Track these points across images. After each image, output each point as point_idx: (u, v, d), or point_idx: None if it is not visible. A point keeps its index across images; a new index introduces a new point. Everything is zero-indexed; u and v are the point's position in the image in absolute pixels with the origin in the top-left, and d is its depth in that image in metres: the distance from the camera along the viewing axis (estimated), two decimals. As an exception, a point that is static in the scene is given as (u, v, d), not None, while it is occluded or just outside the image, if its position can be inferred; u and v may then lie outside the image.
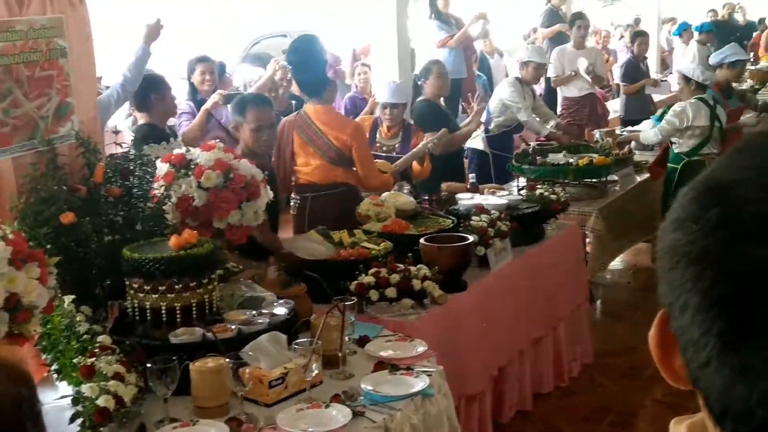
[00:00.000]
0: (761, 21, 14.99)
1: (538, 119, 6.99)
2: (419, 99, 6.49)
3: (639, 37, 9.94)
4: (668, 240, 0.66)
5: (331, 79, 4.94)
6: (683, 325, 0.64)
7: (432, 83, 6.34)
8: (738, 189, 0.62)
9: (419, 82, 6.61)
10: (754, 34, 13.95)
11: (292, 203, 5.02)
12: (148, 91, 5.32)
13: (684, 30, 12.61)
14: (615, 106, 10.43)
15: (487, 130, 7.02)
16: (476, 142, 7.01)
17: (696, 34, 11.68)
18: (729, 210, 0.61)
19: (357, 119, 6.13)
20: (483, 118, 6.82)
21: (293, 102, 7.40)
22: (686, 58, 10.52)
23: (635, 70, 9.46)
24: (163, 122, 5.45)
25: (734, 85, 7.72)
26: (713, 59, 7.53)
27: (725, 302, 0.60)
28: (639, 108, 9.11)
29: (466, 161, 7.00)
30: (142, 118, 5.39)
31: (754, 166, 0.63)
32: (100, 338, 2.69)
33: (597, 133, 6.92)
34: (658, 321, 0.69)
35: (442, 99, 6.54)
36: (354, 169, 4.95)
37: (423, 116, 6.20)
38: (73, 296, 2.79)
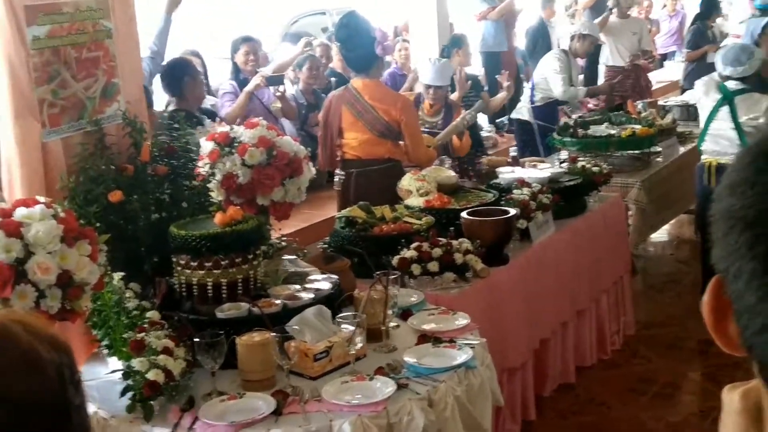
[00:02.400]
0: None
1: (572, 87, 6.94)
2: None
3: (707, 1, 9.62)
4: (723, 204, 0.66)
5: (378, 55, 4.95)
6: (738, 291, 0.64)
7: (458, 56, 6.76)
8: None
9: (445, 54, 6.85)
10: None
11: (336, 179, 5.06)
12: (182, 75, 5.39)
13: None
14: (664, 76, 10.29)
15: (532, 101, 6.99)
16: (521, 112, 7.00)
17: (750, 10, 11.38)
18: None
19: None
20: (528, 90, 6.85)
21: (333, 79, 7.43)
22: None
23: (700, 35, 9.22)
24: (195, 106, 5.52)
25: None
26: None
27: None
28: (701, 75, 8.92)
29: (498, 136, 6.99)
30: (174, 103, 5.47)
31: None
32: (148, 314, 2.76)
33: (640, 104, 6.85)
34: (712, 286, 0.69)
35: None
36: (401, 143, 4.98)
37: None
38: (122, 273, 2.85)
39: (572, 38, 7.17)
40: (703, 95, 5.46)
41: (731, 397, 0.83)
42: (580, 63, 8.45)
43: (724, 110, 5.15)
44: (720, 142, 5.19)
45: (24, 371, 1.01)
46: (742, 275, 0.63)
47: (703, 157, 5.37)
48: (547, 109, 6.93)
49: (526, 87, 7.26)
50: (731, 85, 5.18)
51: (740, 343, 0.67)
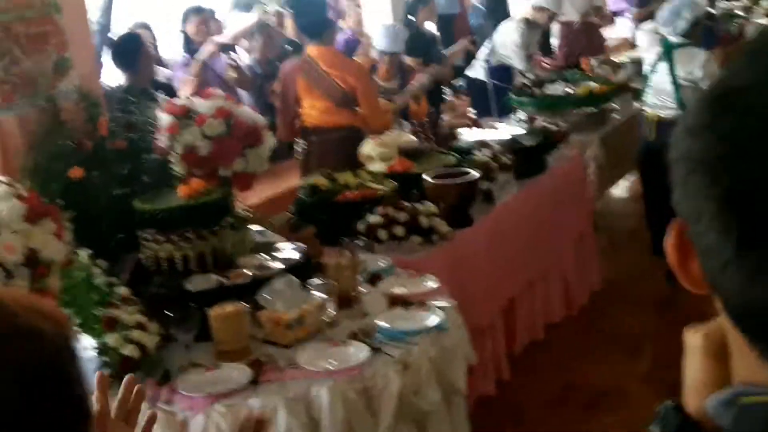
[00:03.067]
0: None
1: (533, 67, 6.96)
2: (406, 24, 6.77)
3: None
4: (682, 148, 0.67)
5: (331, 20, 4.91)
6: (700, 232, 0.65)
7: (423, 13, 6.83)
8: (750, 95, 0.62)
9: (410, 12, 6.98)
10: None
11: (297, 148, 5.02)
12: (134, 50, 5.29)
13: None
14: (616, 33, 10.35)
15: (488, 61, 6.99)
16: (477, 71, 6.98)
17: None
18: (742, 116, 0.62)
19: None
20: (485, 49, 6.85)
21: (289, 48, 7.35)
22: None
23: None
24: (148, 78, 5.43)
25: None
26: None
27: (740, 206, 0.61)
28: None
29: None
30: (125, 79, 5.37)
31: (765, 70, 0.63)
32: (119, 290, 2.73)
33: (594, 61, 6.89)
34: (674, 229, 0.71)
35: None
36: (358, 110, 4.95)
37: (411, 42, 6.40)
38: (89, 250, 2.81)
39: (533, 8, 7.14)
40: (645, 49, 5.50)
41: (694, 338, 0.85)
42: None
43: (664, 64, 5.19)
44: (660, 96, 5.22)
45: (22, 342, 1.02)
46: (704, 215, 0.64)
47: (645, 109, 5.39)
48: (503, 70, 6.94)
49: (484, 47, 7.22)
50: (672, 38, 5.20)
51: (704, 281, 0.69)
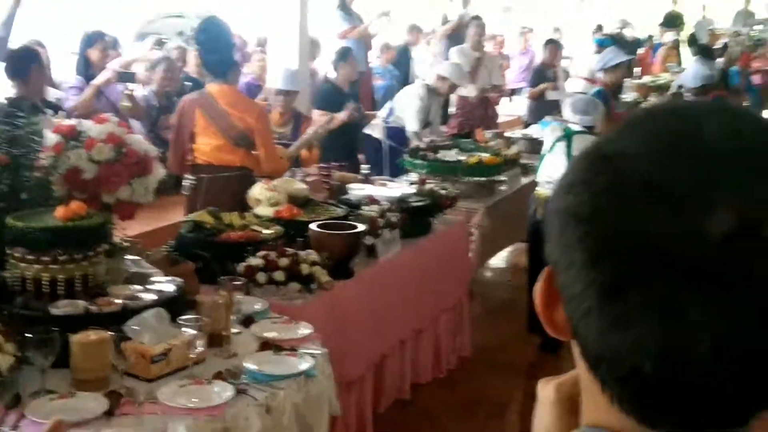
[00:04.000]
0: (649, 38, 15.59)
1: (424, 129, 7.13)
2: (324, 80, 7.31)
3: (549, 44, 10.18)
4: (559, 203, 0.72)
5: (236, 61, 4.94)
6: (568, 281, 0.70)
7: (344, 69, 7.10)
8: (625, 159, 0.69)
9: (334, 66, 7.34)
10: (641, 50, 14.52)
11: (186, 183, 4.97)
12: (30, 62, 5.21)
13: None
14: (512, 109, 10.72)
15: (387, 121, 7.11)
16: (374, 129, 7.10)
17: (596, 47, 12.12)
18: (616, 177, 0.68)
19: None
20: (386, 109, 7.01)
21: (188, 83, 7.31)
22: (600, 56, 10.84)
23: (540, 76, 9.73)
24: (38, 96, 5.33)
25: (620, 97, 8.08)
26: (597, 64, 7.85)
27: (607, 259, 0.67)
28: (542, 112, 9.39)
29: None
30: (15, 89, 5.26)
31: (639, 139, 0.70)
32: (-23, 306, 2.62)
33: (489, 133, 7.10)
34: (544, 277, 0.76)
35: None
36: (254, 152, 4.96)
37: (325, 96, 6.96)
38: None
39: (436, 77, 7.34)
40: (549, 133, 5.79)
41: (545, 389, 0.90)
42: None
43: (562, 144, 5.43)
44: (553, 176, 5.45)
45: None
46: (574, 265, 0.69)
47: (536, 189, 5.62)
48: (400, 132, 7.08)
49: (385, 107, 7.35)
50: (574, 127, 5.50)
51: (565, 328, 0.74)
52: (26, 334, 2.50)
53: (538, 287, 0.77)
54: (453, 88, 7.39)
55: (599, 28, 14.78)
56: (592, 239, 0.68)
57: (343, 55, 7.36)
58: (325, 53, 9.82)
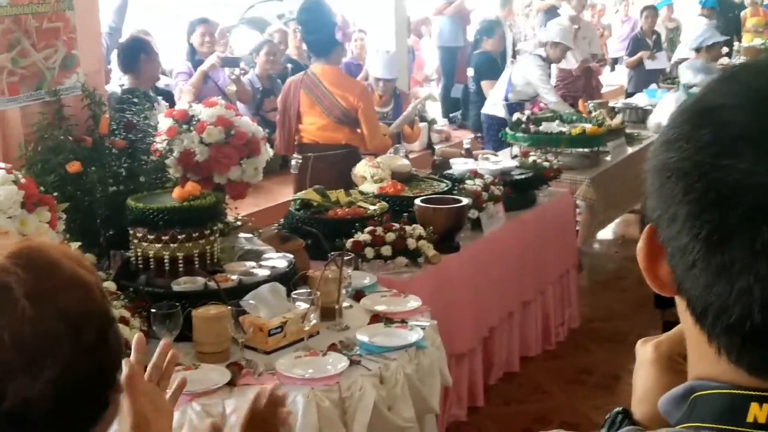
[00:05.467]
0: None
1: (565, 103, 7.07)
2: (478, 51, 8.05)
3: (646, 10, 9.95)
4: (659, 158, 0.74)
5: (339, 41, 4.99)
6: (672, 234, 0.71)
7: (493, 41, 7.83)
8: (726, 111, 0.70)
9: (478, 38, 8.21)
10: (744, 11, 13.98)
11: (293, 162, 5.09)
12: (138, 53, 5.39)
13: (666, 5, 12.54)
14: (615, 79, 10.51)
15: (506, 98, 7.09)
16: (496, 108, 7.10)
17: (700, 9, 11.76)
18: (718, 130, 0.69)
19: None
20: (502, 88, 7.00)
21: (289, 65, 7.44)
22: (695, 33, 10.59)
23: (639, 44, 9.53)
24: (149, 85, 5.53)
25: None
26: (692, 44, 7.69)
27: (712, 209, 0.68)
28: (643, 80, 9.22)
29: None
30: (128, 81, 5.47)
31: (738, 92, 0.70)
32: (105, 284, 2.76)
33: (590, 104, 6.99)
34: (646, 234, 0.77)
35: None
36: (357, 130, 5.03)
37: (481, 66, 7.76)
38: (78, 243, 2.85)
39: (545, 45, 7.24)
40: (674, 101, 5.74)
41: (644, 349, 0.91)
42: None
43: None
44: None
45: (75, 290, 1.14)
46: (677, 219, 0.71)
47: None
48: (519, 108, 7.02)
49: (499, 85, 7.31)
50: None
51: (670, 283, 0.75)
52: (151, 310, 2.63)
53: (641, 245, 0.78)
54: (565, 51, 7.27)
55: None
56: (695, 192, 0.69)
57: (490, 28, 7.99)
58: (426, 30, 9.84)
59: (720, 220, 0.67)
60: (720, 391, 0.73)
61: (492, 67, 7.71)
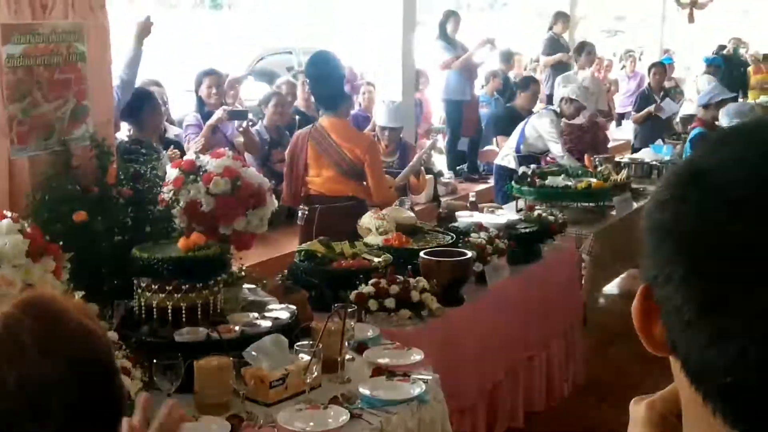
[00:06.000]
0: (765, 57, 15.11)
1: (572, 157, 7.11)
2: (508, 104, 8.33)
3: (654, 67, 10.07)
4: (654, 219, 0.74)
5: (347, 94, 5.05)
6: (667, 294, 0.72)
7: (525, 96, 8.00)
8: (719, 174, 0.70)
9: (516, 90, 8.44)
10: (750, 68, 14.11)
11: (300, 214, 5.12)
12: (142, 105, 5.44)
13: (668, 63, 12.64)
14: (621, 135, 10.58)
15: (518, 150, 7.15)
16: (507, 160, 7.16)
17: (704, 66, 11.91)
18: (712, 192, 0.70)
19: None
20: (514, 140, 7.06)
21: (297, 117, 7.52)
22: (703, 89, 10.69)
23: (646, 100, 9.63)
24: (154, 133, 5.57)
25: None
26: (700, 100, 7.78)
27: (707, 271, 0.68)
28: (649, 136, 9.29)
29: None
30: (132, 132, 5.50)
31: (732, 155, 0.71)
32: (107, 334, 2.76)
33: (596, 159, 7.03)
34: (641, 293, 0.77)
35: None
36: (364, 183, 5.07)
37: (507, 120, 7.81)
38: (82, 292, 2.86)
39: (561, 100, 7.32)
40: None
41: (637, 408, 0.89)
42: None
43: None
44: None
45: (81, 339, 1.18)
46: (672, 280, 0.71)
47: None
48: (531, 160, 7.06)
49: (512, 138, 7.37)
50: None
51: (664, 343, 0.75)
52: (153, 360, 2.63)
53: (635, 304, 0.78)
54: (579, 110, 7.33)
55: (722, 47, 14.37)
56: (690, 253, 0.69)
57: (526, 84, 8.23)
58: (433, 83, 9.94)
59: (715, 282, 0.67)
60: None
61: (513, 123, 7.62)
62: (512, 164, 7.09)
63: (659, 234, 0.73)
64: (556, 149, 6.95)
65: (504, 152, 7.31)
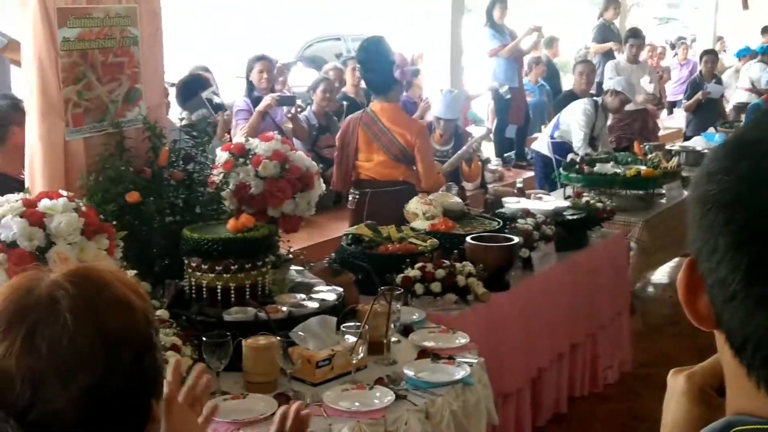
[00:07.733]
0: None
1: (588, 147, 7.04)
2: (565, 90, 8.37)
3: (706, 55, 9.92)
4: (700, 191, 0.75)
5: (397, 79, 5.06)
6: (712, 266, 0.72)
7: (576, 79, 7.94)
8: (765, 144, 0.71)
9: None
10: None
11: (350, 198, 5.16)
12: (196, 90, 5.54)
13: (746, 55, 12.41)
14: (673, 123, 10.46)
15: (552, 136, 7.11)
16: (541, 146, 7.13)
17: (759, 56, 11.69)
18: (757, 162, 0.71)
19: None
20: (551, 126, 7.03)
21: (345, 103, 7.55)
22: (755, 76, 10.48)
23: (698, 88, 9.51)
24: (205, 121, 5.66)
25: None
26: (763, 79, 7.63)
27: (753, 241, 0.69)
28: (702, 124, 9.17)
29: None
30: (185, 116, 5.60)
31: None
32: (158, 312, 2.82)
33: (646, 146, 6.95)
34: (686, 266, 0.78)
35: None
36: (414, 167, 5.09)
37: (565, 104, 7.46)
38: (134, 272, 2.92)
39: (606, 92, 7.24)
40: None
41: (676, 380, 0.89)
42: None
43: None
44: None
45: (118, 311, 1.18)
46: (717, 251, 0.71)
47: None
48: (564, 145, 7.02)
49: (552, 123, 7.35)
50: None
51: (709, 316, 0.75)
52: (202, 338, 2.68)
53: (680, 277, 0.78)
54: (624, 103, 7.22)
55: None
56: (736, 223, 0.70)
57: (575, 67, 8.28)
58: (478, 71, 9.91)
59: (760, 251, 0.68)
60: (759, 426, 0.72)
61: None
62: (545, 150, 7.05)
63: (705, 205, 0.73)
64: (577, 137, 6.88)
65: (541, 137, 7.28)
